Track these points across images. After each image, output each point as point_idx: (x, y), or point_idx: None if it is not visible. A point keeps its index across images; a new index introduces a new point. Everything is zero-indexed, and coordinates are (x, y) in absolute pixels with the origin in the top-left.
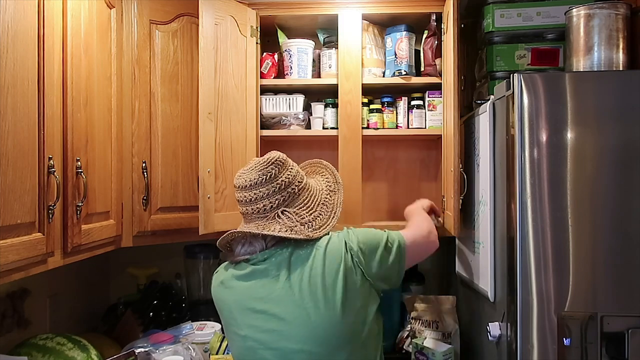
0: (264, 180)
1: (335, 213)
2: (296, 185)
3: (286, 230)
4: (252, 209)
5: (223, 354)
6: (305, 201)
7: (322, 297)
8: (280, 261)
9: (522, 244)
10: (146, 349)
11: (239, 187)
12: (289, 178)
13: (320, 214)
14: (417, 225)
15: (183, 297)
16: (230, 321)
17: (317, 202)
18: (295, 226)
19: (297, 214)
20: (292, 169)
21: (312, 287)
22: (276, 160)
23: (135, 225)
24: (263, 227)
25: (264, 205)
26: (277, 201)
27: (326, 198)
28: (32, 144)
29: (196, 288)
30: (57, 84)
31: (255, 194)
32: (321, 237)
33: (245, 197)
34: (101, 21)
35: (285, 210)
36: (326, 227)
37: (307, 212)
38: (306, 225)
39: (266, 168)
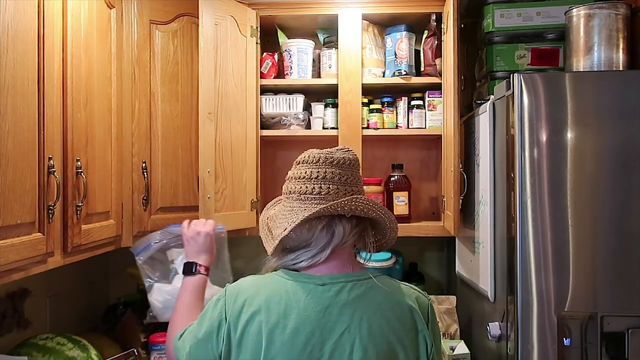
0: (356, 164)
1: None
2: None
3: (389, 224)
4: (344, 190)
5: None
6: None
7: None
8: (343, 298)
9: (522, 244)
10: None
11: (327, 161)
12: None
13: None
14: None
15: None
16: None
17: None
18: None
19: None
20: None
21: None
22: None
23: (135, 225)
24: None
25: (352, 191)
26: (358, 191)
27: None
28: (32, 144)
29: None
30: (57, 84)
31: (351, 174)
32: (388, 278)
33: (340, 174)
34: (101, 21)
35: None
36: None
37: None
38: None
39: (355, 155)
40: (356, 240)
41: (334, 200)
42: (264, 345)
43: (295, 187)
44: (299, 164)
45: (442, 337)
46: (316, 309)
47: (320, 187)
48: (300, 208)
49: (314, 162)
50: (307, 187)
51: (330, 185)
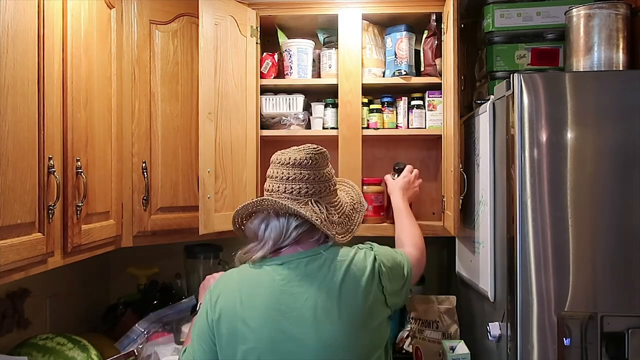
0: (309, 163)
1: (354, 229)
2: (332, 184)
3: (317, 219)
4: (285, 188)
5: None
6: (334, 204)
7: (339, 316)
8: (301, 271)
9: (522, 244)
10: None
11: (279, 162)
12: (330, 174)
13: (342, 222)
14: (417, 244)
15: (183, 297)
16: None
17: (342, 212)
18: (326, 220)
19: (327, 210)
20: (332, 169)
21: (329, 305)
22: (324, 152)
23: (135, 225)
24: (286, 206)
25: (299, 188)
26: (313, 189)
27: (350, 212)
28: (32, 144)
29: (196, 288)
30: (57, 84)
31: (295, 173)
32: (341, 248)
33: (283, 173)
34: (101, 21)
35: (318, 201)
36: (345, 237)
37: (335, 214)
38: (333, 225)
39: (315, 154)
40: (307, 232)
41: (275, 198)
42: (238, 330)
43: (264, 185)
44: (270, 164)
45: (404, 271)
46: (279, 284)
47: (272, 186)
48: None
49: (272, 162)
50: (266, 185)
51: (276, 184)
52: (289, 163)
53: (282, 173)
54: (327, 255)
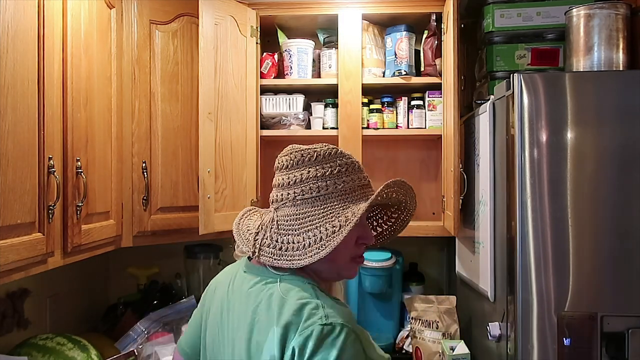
0: (287, 164)
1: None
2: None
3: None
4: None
5: None
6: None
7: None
8: (246, 288)
9: (522, 244)
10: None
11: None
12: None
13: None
14: None
15: (183, 297)
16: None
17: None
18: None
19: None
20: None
21: (242, 334)
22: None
23: (135, 225)
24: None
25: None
26: (282, 195)
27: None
28: (32, 144)
29: (196, 288)
30: (57, 84)
31: (280, 178)
32: (295, 286)
33: (277, 179)
34: (101, 21)
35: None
36: (301, 260)
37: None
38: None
39: (294, 153)
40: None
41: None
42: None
43: None
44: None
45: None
46: (230, 292)
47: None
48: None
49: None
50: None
51: (275, 193)
52: (278, 168)
53: (277, 180)
54: (273, 288)
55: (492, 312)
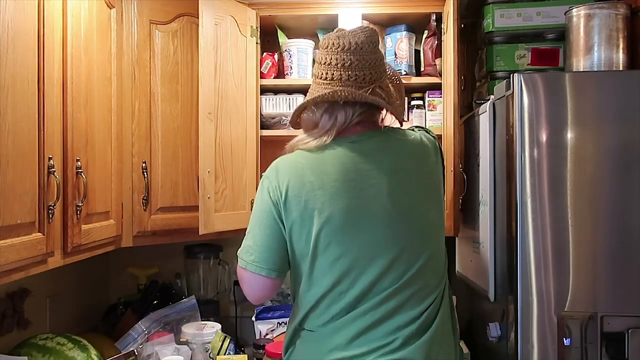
0: (369, 48)
1: (403, 107)
2: (384, 66)
3: (389, 105)
4: (347, 75)
5: (225, 354)
6: (388, 86)
7: (412, 186)
8: (373, 146)
9: (522, 244)
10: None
11: (338, 47)
12: (382, 55)
13: (399, 100)
14: None
15: (183, 297)
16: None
17: (392, 92)
18: (393, 104)
19: (389, 94)
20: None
21: (403, 175)
22: (376, 31)
23: (135, 225)
24: (361, 95)
25: (364, 75)
26: (376, 74)
27: (393, 91)
28: (32, 144)
29: (196, 288)
30: (57, 84)
31: (358, 59)
32: (400, 129)
33: (343, 60)
34: (101, 21)
35: (380, 86)
36: (403, 116)
37: (392, 96)
38: (395, 107)
39: (372, 36)
40: (368, 116)
41: (339, 87)
42: (311, 206)
43: (315, 71)
44: (320, 48)
45: None
46: (354, 160)
47: (332, 73)
48: (315, 90)
49: (327, 47)
50: (321, 72)
51: (337, 72)
52: (349, 49)
53: (344, 59)
54: (392, 133)
55: (492, 312)
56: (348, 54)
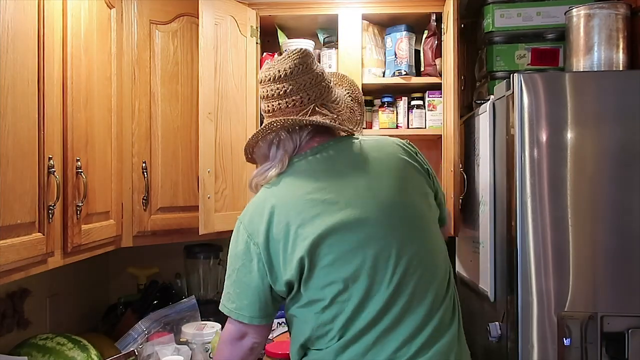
0: (299, 70)
1: (361, 119)
2: (328, 81)
3: (331, 121)
4: (285, 103)
5: None
6: (336, 101)
7: (390, 178)
8: (336, 151)
9: (522, 244)
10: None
11: (269, 79)
12: (321, 72)
13: (349, 117)
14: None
15: (183, 297)
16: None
17: (345, 104)
18: (338, 118)
19: (334, 108)
20: (320, 65)
21: (378, 172)
22: (307, 51)
23: (135, 225)
24: (296, 120)
25: (300, 98)
26: (314, 94)
27: (351, 103)
28: (32, 144)
29: (196, 288)
30: (57, 84)
31: (290, 85)
32: (362, 135)
33: (277, 89)
34: (101, 21)
35: (323, 104)
36: (358, 129)
37: (341, 109)
38: (346, 120)
39: (301, 58)
40: (320, 135)
41: (280, 116)
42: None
43: (261, 107)
44: (259, 84)
45: None
46: (321, 168)
47: (272, 105)
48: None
49: (262, 82)
50: (264, 107)
51: (276, 102)
52: (280, 77)
53: (278, 89)
54: (351, 137)
55: (492, 312)
56: (281, 83)
